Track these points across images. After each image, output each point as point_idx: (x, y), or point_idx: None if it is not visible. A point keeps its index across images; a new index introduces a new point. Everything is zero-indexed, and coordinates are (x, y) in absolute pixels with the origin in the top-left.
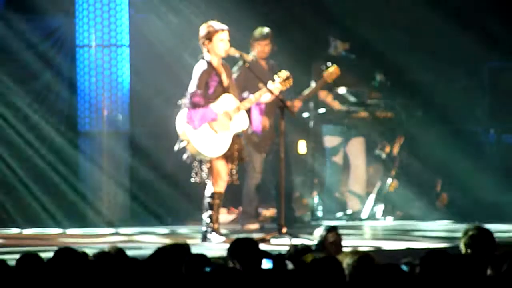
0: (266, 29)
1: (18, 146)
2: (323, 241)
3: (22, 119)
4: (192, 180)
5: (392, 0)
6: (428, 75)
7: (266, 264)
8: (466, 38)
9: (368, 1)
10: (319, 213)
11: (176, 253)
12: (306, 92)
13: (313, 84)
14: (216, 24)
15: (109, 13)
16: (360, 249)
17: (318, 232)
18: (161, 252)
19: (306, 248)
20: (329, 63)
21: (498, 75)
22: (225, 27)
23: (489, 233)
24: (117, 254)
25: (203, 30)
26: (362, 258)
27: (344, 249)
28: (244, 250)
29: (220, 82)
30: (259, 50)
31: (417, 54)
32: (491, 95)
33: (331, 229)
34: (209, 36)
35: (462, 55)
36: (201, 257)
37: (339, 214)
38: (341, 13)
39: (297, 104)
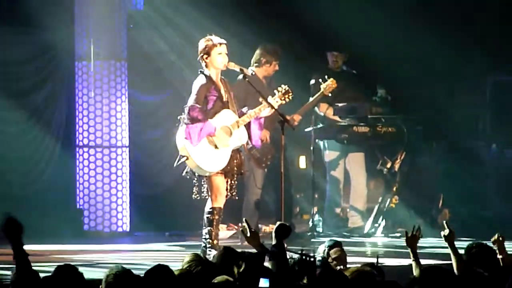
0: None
1: (15, 161)
2: (326, 257)
3: (19, 133)
4: (193, 196)
5: (393, 14)
6: (430, 90)
7: (264, 283)
8: (469, 52)
9: (368, 15)
10: (320, 229)
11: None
12: (305, 105)
13: (311, 99)
14: (214, 38)
15: (108, 27)
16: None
17: (322, 248)
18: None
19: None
20: (326, 77)
21: (500, 89)
22: (223, 40)
23: (491, 250)
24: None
25: (201, 44)
26: (363, 274)
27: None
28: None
29: (219, 97)
30: (271, 68)
31: (419, 68)
32: (493, 109)
33: (334, 245)
34: (207, 51)
35: (464, 69)
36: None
37: (340, 230)
38: (340, 26)
39: (296, 118)
